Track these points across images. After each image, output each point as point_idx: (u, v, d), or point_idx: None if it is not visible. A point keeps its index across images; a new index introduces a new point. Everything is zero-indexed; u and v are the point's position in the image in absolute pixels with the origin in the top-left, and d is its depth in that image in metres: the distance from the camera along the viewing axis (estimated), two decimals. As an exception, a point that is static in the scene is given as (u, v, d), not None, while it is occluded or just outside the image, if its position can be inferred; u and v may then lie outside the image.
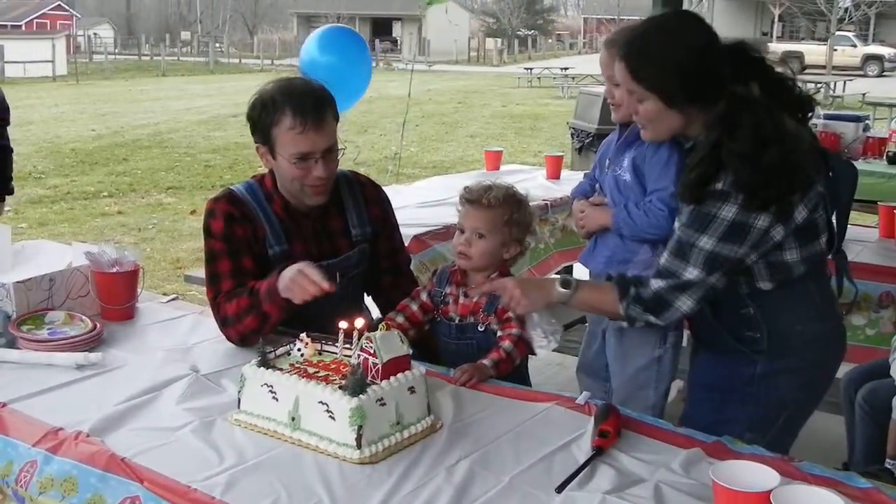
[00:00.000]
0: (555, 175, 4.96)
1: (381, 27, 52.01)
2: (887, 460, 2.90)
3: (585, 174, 3.01)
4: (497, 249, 2.37)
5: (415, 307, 2.45)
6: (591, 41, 52.10)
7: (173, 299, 2.85)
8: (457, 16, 49.99)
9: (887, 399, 2.89)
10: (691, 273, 2.02)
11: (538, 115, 19.33)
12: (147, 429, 1.89)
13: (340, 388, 1.80)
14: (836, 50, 31.48)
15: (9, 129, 4.93)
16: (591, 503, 1.62)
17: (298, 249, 2.45)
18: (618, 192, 2.61)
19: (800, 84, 2.15)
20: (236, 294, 2.35)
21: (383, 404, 1.82)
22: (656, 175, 2.50)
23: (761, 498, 1.49)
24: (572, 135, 9.20)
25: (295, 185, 2.39)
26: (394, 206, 2.73)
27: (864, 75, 30.92)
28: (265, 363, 1.92)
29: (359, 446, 1.76)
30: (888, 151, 5.34)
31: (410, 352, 1.94)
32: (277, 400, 1.87)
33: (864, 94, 19.65)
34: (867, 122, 5.85)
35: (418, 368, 1.94)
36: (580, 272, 3.08)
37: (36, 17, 48.59)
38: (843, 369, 2.82)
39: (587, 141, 8.63)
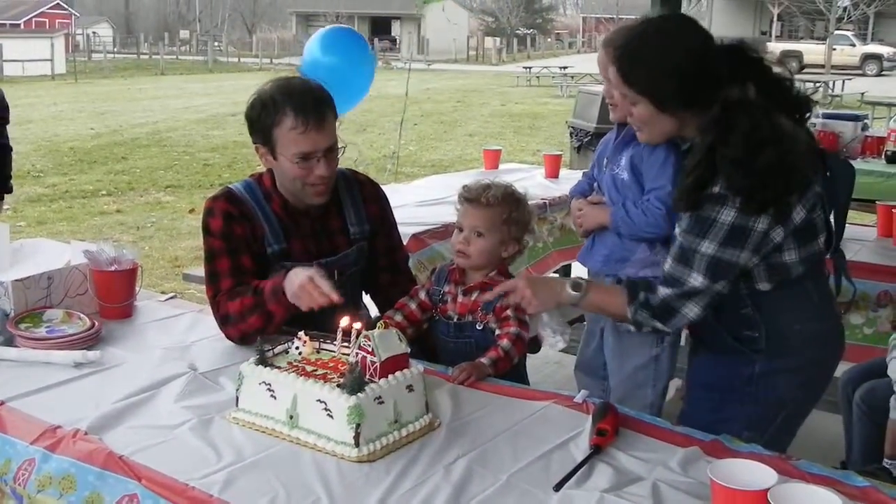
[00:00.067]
0: (553, 174, 4.97)
1: (380, 26, 51.99)
2: (885, 460, 2.90)
3: (584, 173, 3.01)
4: (496, 248, 2.37)
5: (413, 306, 2.45)
6: (590, 40, 52.10)
7: (171, 297, 2.85)
8: (456, 15, 50.01)
9: (885, 399, 2.89)
10: (695, 279, 2.02)
11: (537, 114, 19.33)
12: (145, 427, 1.89)
13: (339, 386, 1.80)
14: (834, 49, 31.49)
15: (8, 127, 4.93)
16: (588, 501, 1.62)
17: (297, 248, 2.45)
18: (615, 191, 2.62)
19: (798, 84, 2.15)
20: (239, 292, 2.35)
21: (381, 402, 1.82)
22: (654, 174, 2.50)
23: (759, 496, 1.49)
24: (571, 134, 9.18)
25: (297, 184, 2.39)
26: (392, 204, 2.73)
27: (863, 74, 30.93)
28: (263, 361, 1.92)
29: (357, 444, 1.76)
30: (886, 150, 5.34)
31: (409, 350, 1.94)
32: (275, 398, 1.87)
33: (862, 94, 19.65)
34: (866, 121, 5.85)
35: (416, 367, 1.94)
36: (578, 271, 3.09)
37: (35, 16, 48.56)
38: (842, 368, 2.82)
39: (586, 140, 8.61)
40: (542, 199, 4.31)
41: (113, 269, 2.57)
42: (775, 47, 30.56)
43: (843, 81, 22.21)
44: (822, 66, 29.70)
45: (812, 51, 32.70)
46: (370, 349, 1.85)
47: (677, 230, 2.09)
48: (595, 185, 2.78)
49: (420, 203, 4.17)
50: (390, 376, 1.85)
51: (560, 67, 27.49)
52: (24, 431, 1.87)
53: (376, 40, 34.86)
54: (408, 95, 8.95)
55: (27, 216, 8.96)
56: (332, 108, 2.40)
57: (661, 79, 2.06)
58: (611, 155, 2.66)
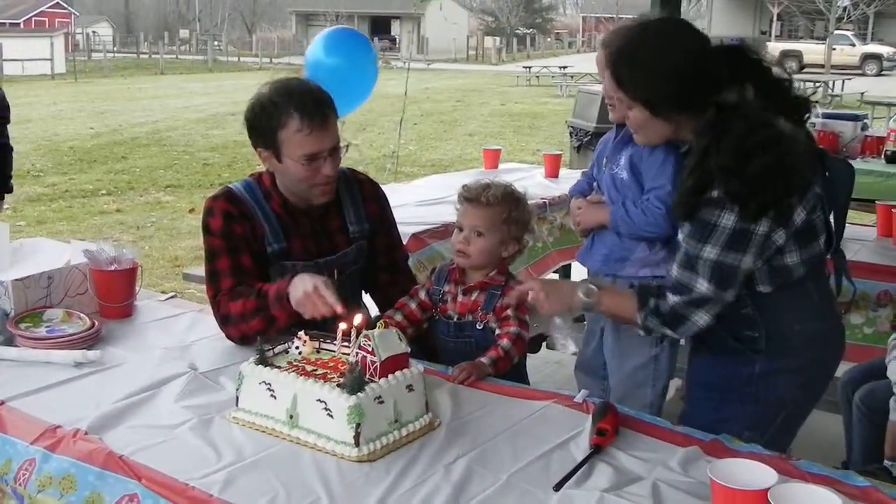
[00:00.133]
0: (553, 173, 4.96)
1: (380, 25, 51.98)
2: (885, 461, 2.90)
3: (583, 172, 3.01)
4: (495, 247, 2.37)
5: (413, 305, 2.45)
6: (590, 40, 52.07)
7: (172, 297, 2.85)
8: (455, 14, 50.03)
9: (884, 400, 2.89)
10: (702, 285, 2.02)
11: (537, 114, 19.33)
12: (145, 426, 1.89)
13: (339, 385, 1.80)
14: (834, 49, 31.48)
15: (8, 127, 4.93)
16: (588, 501, 1.62)
17: (297, 247, 2.45)
18: (615, 190, 2.62)
19: (797, 84, 2.15)
20: (241, 293, 2.35)
21: (381, 402, 1.82)
22: (653, 173, 2.50)
23: (759, 496, 1.49)
24: (571, 133, 9.19)
25: (303, 185, 2.39)
26: (392, 204, 2.74)
27: (863, 74, 30.92)
28: (263, 361, 1.92)
29: (357, 444, 1.76)
30: (886, 150, 5.34)
31: (409, 350, 1.93)
32: (275, 398, 1.87)
33: (862, 93, 19.65)
34: (865, 120, 5.85)
35: (416, 366, 1.94)
36: (578, 271, 3.09)
37: (34, 15, 48.56)
38: (842, 368, 2.82)
39: (585, 139, 8.62)
40: (542, 198, 4.30)
41: (113, 268, 2.57)
42: (775, 47, 30.65)
43: (843, 81, 22.21)
44: (822, 66, 29.70)
45: (812, 50, 32.71)
46: (370, 349, 1.85)
47: (681, 236, 2.09)
48: (594, 184, 2.78)
49: (420, 203, 4.16)
50: (390, 376, 1.85)
51: (560, 67, 27.50)
52: (24, 431, 1.87)
53: (376, 40, 34.84)
54: (407, 95, 8.94)
55: (27, 216, 8.96)
56: (334, 107, 2.40)
57: (654, 85, 2.07)
58: (610, 154, 2.66)
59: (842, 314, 2.36)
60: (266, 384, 1.89)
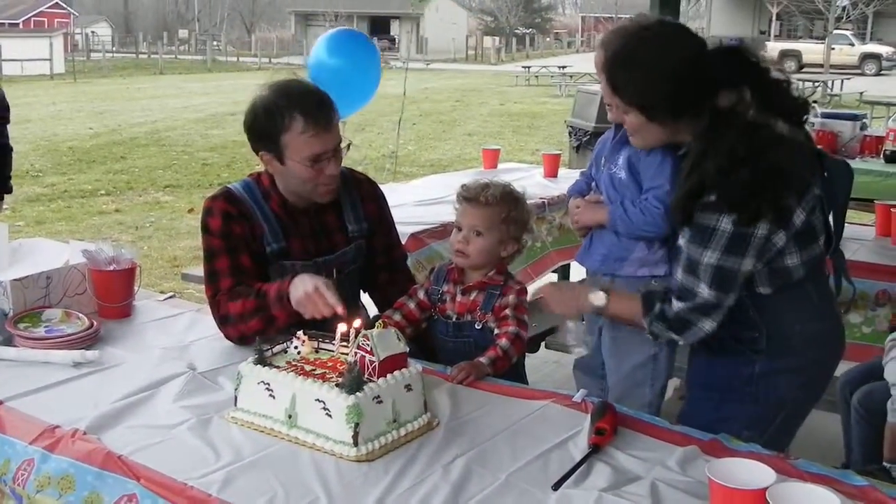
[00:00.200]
0: (552, 173, 4.96)
1: (379, 25, 51.99)
2: (884, 463, 2.90)
3: (582, 172, 3.01)
4: (494, 247, 2.37)
5: (412, 305, 2.45)
6: (589, 40, 52.10)
7: (170, 297, 2.85)
8: (455, 14, 50.06)
9: (882, 402, 2.88)
10: (704, 291, 2.02)
11: (536, 114, 19.33)
12: (144, 426, 1.89)
13: (337, 385, 1.80)
14: (833, 48, 31.49)
15: (7, 127, 4.92)
16: (587, 501, 1.62)
17: (296, 246, 2.45)
18: (613, 190, 2.61)
19: (796, 85, 2.15)
20: (240, 293, 2.35)
21: (380, 402, 1.82)
22: (652, 173, 2.50)
23: (757, 495, 1.49)
24: (570, 133, 9.19)
25: (307, 186, 2.39)
26: (391, 204, 2.74)
27: (862, 74, 30.95)
28: (262, 361, 1.92)
29: (355, 444, 1.76)
30: (885, 150, 5.34)
31: (407, 349, 1.93)
32: (274, 398, 1.87)
33: (861, 93, 19.65)
34: (864, 120, 5.85)
35: (415, 366, 1.94)
36: (577, 271, 3.09)
37: (33, 15, 48.56)
38: (841, 367, 2.82)
39: (584, 139, 8.61)
40: (541, 198, 4.30)
41: (112, 268, 2.57)
42: (774, 46, 30.67)
43: (842, 81, 22.24)
44: (821, 66, 29.73)
45: (811, 50, 32.72)
46: (369, 348, 1.85)
47: (682, 241, 2.09)
48: (593, 184, 2.78)
49: (419, 202, 4.16)
50: (389, 376, 1.85)
51: (559, 67, 27.51)
52: (22, 431, 1.87)
53: (375, 39, 34.87)
54: (406, 95, 8.93)
55: (26, 216, 8.96)
56: (335, 106, 2.41)
57: (649, 92, 2.08)
58: (608, 154, 2.66)
59: (841, 314, 2.36)
60: (265, 384, 1.89)
